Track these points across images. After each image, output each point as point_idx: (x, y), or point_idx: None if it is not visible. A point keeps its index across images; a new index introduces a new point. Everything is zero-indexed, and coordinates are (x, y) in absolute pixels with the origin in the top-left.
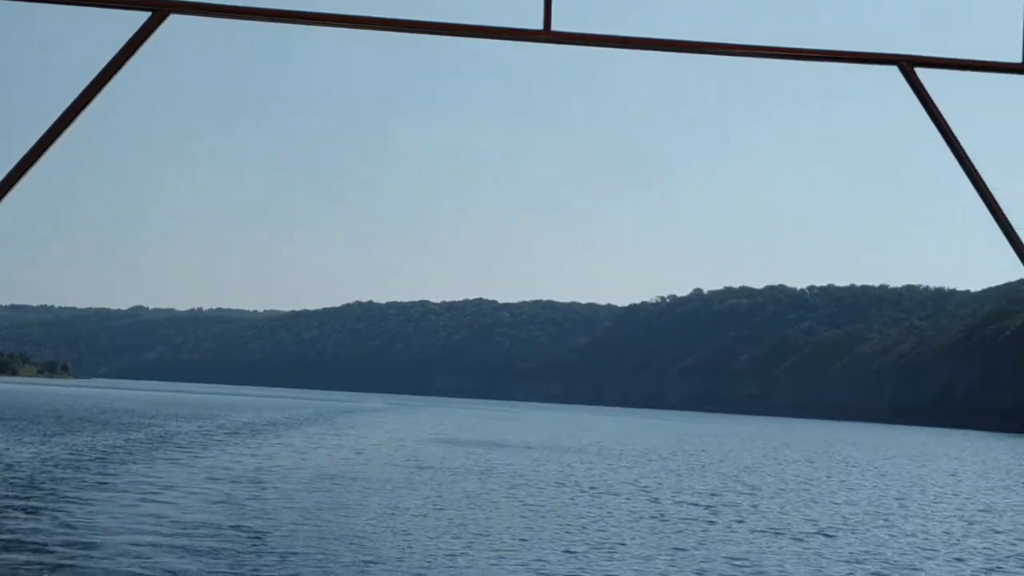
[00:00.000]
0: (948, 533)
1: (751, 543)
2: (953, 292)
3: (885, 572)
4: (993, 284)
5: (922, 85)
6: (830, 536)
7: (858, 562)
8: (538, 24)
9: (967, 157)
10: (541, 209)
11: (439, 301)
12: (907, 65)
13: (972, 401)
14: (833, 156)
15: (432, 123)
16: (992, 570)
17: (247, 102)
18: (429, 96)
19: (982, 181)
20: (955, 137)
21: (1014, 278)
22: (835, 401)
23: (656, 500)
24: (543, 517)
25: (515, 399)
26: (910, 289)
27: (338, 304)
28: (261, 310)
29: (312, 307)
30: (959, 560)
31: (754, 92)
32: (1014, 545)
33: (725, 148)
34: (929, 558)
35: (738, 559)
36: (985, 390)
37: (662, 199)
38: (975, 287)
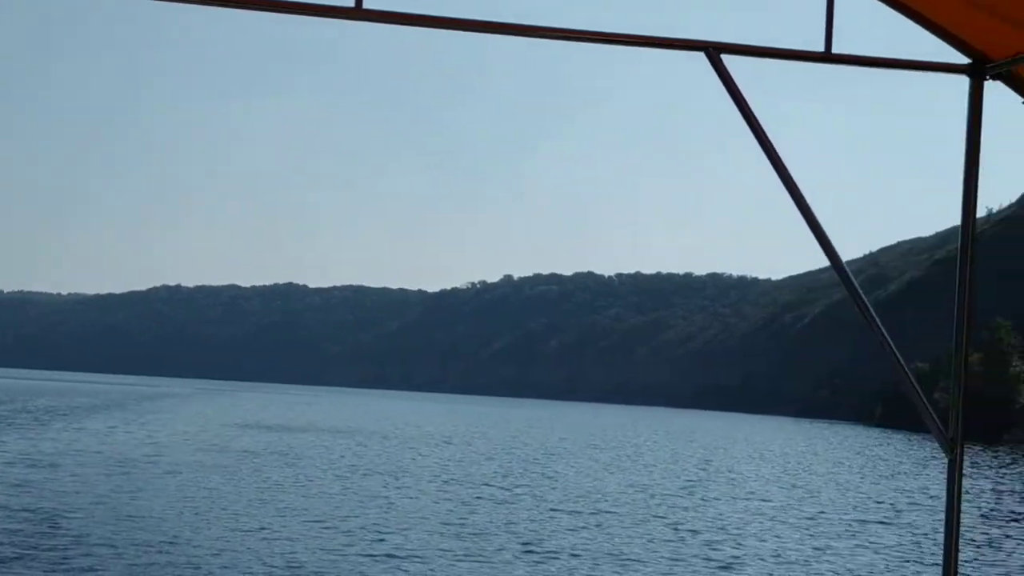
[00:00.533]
0: (730, 514)
1: (542, 522)
2: (756, 280)
3: (666, 549)
4: (794, 273)
5: (728, 72)
6: (610, 514)
7: (636, 540)
8: (349, 2)
9: (771, 145)
10: (349, 193)
11: (249, 285)
12: (713, 52)
13: (772, 387)
14: (642, 144)
15: (218, 99)
16: (775, 546)
17: (29, 74)
18: (208, 71)
19: (786, 170)
20: (760, 125)
21: (814, 267)
22: (642, 386)
23: (452, 482)
24: (343, 499)
25: (326, 384)
26: (714, 277)
27: (144, 288)
28: (65, 293)
29: (117, 290)
30: (741, 537)
31: (566, 78)
32: (796, 524)
33: (537, 134)
34: (706, 538)
35: (524, 536)
36: (784, 376)
37: (471, 185)
38: (777, 276)
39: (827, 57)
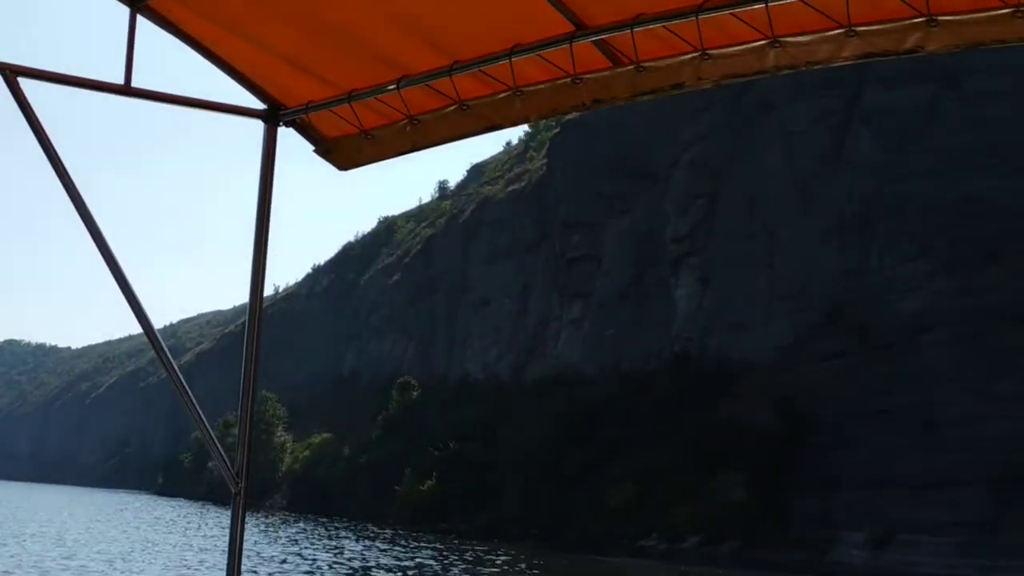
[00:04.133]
0: None
1: None
2: (55, 348)
3: None
4: (94, 342)
5: (27, 101)
6: None
7: None
8: None
9: (79, 195)
10: None
11: None
12: (11, 75)
13: (65, 457)
14: None
15: None
16: None
17: None
18: None
19: (94, 222)
20: (65, 169)
21: (114, 336)
22: None
23: None
24: None
25: None
26: (11, 343)
27: None
28: None
29: None
30: None
31: None
32: None
33: None
34: None
35: None
36: (77, 446)
37: None
38: (77, 344)
39: (127, 90)
